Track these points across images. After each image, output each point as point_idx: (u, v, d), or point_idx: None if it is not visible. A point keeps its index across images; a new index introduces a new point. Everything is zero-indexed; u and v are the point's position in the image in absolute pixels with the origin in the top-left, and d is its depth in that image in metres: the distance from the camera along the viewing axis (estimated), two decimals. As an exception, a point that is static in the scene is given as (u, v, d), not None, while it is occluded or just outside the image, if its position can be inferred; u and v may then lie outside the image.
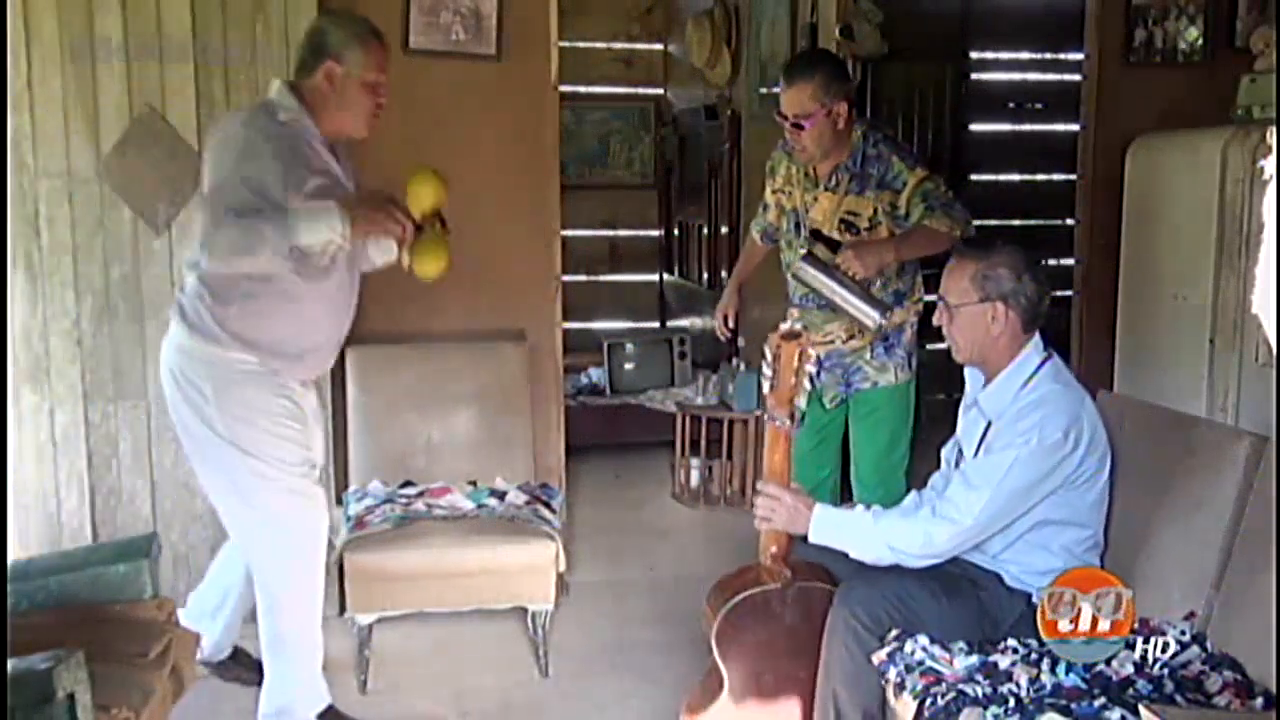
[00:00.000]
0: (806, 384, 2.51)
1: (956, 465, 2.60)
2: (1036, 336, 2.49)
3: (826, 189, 3.18)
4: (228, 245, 2.55)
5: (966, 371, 2.62)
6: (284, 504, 2.77)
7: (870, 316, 2.99)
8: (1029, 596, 2.46)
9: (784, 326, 2.53)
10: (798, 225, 3.27)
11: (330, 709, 2.93)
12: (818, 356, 2.50)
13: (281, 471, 2.75)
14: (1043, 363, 2.47)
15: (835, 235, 3.16)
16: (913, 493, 2.75)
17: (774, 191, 3.37)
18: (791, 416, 2.50)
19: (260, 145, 2.58)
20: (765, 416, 2.55)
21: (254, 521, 2.79)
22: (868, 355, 3.24)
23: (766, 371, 2.50)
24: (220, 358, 2.70)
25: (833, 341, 3.24)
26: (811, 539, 2.48)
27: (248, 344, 2.71)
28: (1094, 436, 2.44)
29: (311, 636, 2.87)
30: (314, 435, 2.92)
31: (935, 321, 2.55)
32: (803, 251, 3.15)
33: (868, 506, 2.53)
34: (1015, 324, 2.45)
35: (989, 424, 2.49)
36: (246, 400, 2.72)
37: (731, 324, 3.51)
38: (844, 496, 3.46)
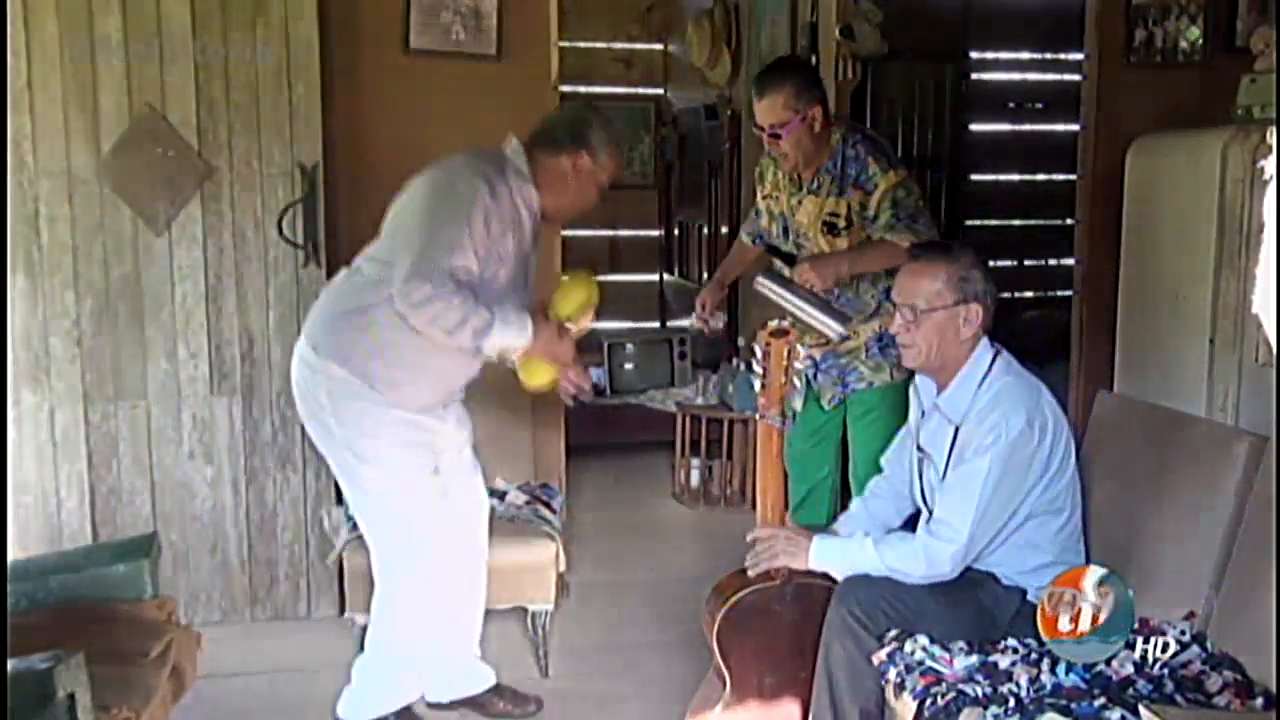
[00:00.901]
0: (797, 381, 2.51)
1: (920, 474, 2.61)
2: (984, 335, 2.52)
3: (810, 192, 3.19)
4: (438, 311, 2.58)
5: (917, 379, 2.63)
6: (406, 504, 2.81)
7: (833, 329, 2.98)
8: (1024, 592, 2.47)
9: (772, 324, 2.55)
10: (786, 230, 3.29)
11: (407, 709, 2.96)
12: (810, 356, 2.50)
13: (397, 475, 2.79)
14: (994, 358, 2.49)
15: (821, 238, 3.18)
16: (855, 500, 2.79)
17: (763, 197, 3.38)
18: (783, 414, 2.50)
19: (487, 205, 2.64)
20: (757, 415, 2.56)
21: (378, 517, 2.86)
22: (863, 356, 3.24)
23: (757, 369, 2.51)
24: (335, 374, 2.73)
25: (828, 343, 3.24)
26: (813, 566, 2.48)
27: (363, 376, 2.72)
28: (1056, 423, 2.46)
29: (421, 635, 2.92)
30: (443, 432, 2.92)
31: (892, 330, 2.54)
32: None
33: (866, 533, 2.54)
34: (984, 322, 2.47)
35: (956, 428, 2.48)
36: (360, 410, 2.75)
37: (708, 313, 3.47)
38: (843, 496, 3.46)
